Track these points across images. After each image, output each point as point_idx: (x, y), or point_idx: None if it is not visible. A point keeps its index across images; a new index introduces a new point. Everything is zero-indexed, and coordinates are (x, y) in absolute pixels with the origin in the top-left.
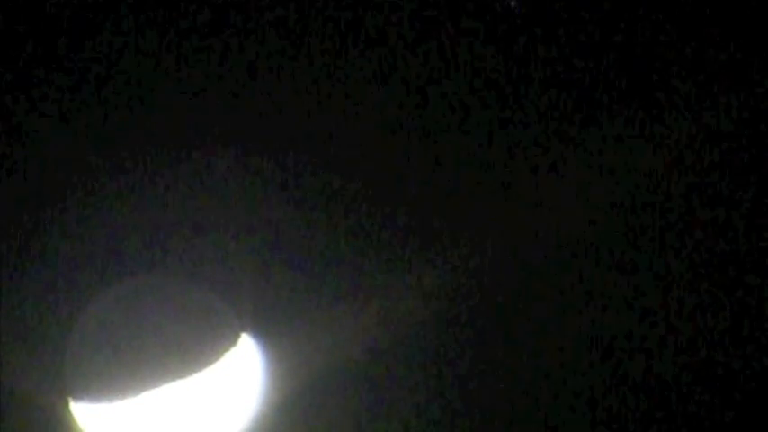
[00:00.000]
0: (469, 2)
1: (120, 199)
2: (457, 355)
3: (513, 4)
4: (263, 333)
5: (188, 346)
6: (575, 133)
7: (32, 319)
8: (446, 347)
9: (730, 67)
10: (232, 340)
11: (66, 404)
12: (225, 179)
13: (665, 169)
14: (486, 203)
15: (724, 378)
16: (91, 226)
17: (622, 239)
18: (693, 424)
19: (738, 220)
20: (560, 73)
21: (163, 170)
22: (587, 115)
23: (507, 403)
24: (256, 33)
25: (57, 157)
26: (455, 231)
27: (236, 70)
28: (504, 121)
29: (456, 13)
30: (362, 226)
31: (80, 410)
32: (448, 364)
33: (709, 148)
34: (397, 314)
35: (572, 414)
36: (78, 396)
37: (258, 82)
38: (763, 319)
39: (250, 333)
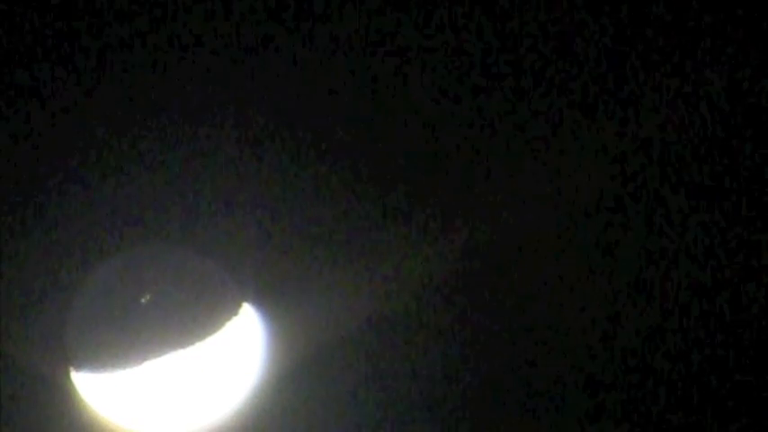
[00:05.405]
0: None
1: (121, 170)
2: (456, 327)
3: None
4: (265, 303)
5: (189, 316)
6: (570, 122)
7: (34, 289)
8: (445, 319)
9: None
10: (233, 310)
11: (68, 374)
12: (226, 149)
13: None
14: (487, 182)
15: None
16: (92, 197)
17: (620, 224)
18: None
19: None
20: (554, 66)
21: (164, 141)
22: (583, 105)
23: (507, 374)
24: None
25: (57, 131)
26: (456, 206)
27: (235, 41)
28: (506, 110)
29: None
30: (365, 200)
31: (81, 380)
32: (447, 335)
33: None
34: (398, 286)
35: (568, 386)
36: (79, 366)
37: (262, 57)
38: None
39: (251, 303)
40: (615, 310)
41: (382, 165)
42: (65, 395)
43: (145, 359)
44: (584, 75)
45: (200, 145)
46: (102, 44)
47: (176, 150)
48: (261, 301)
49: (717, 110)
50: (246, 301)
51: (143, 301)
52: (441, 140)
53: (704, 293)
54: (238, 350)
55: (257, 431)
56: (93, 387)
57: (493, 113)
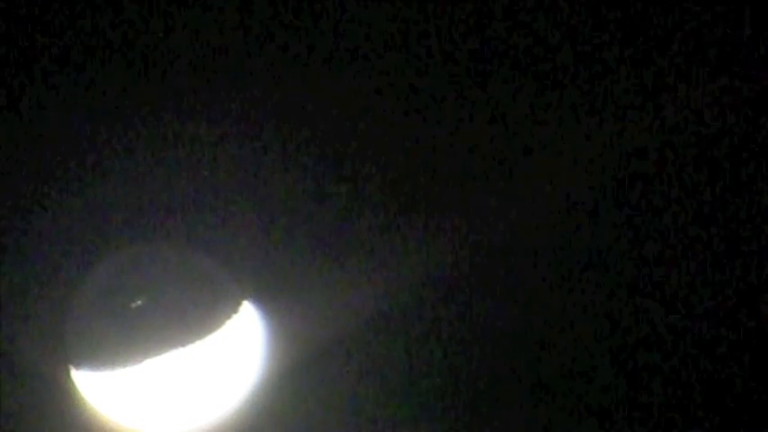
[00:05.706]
0: None
1: (120, 167)
2: (456, 326)
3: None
4: (265, 301)
5: (189, 314)
6: (570, 122)
7: (33, 288)
8: (445, 318)
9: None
10: (233, 308)
11: (68, 372)
12: (226, 149)
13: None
14: (487, 182)
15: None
16: (91, 195)
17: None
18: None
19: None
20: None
21: (163, 140)
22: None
23: (507, 373)
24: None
25: (56, 127)
26: (456, 206)
27: (235, 41)
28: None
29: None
30: (365, 199)
31: (81, 379)
32: (447, 334)
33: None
34: (398, 283)
35: (568, 386)
36: (79, 365)
37: (262, 57)
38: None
39: (251, 301)
40: (615, 310)
41: (382, 164)
42: (65, 395)
43: (145, 358)
44: (585, 75)
45: (199, 144)
46: (101, 44)
47: (176, 149)
48: (261, 300)
49: (717, 109)
50: (246, 299)
51: (142, 299)
52: (441, 140)
53: (704, 293)
54: (238, 348)
55: (257, 431)
56: (93, 386)
57: (493, 113)
